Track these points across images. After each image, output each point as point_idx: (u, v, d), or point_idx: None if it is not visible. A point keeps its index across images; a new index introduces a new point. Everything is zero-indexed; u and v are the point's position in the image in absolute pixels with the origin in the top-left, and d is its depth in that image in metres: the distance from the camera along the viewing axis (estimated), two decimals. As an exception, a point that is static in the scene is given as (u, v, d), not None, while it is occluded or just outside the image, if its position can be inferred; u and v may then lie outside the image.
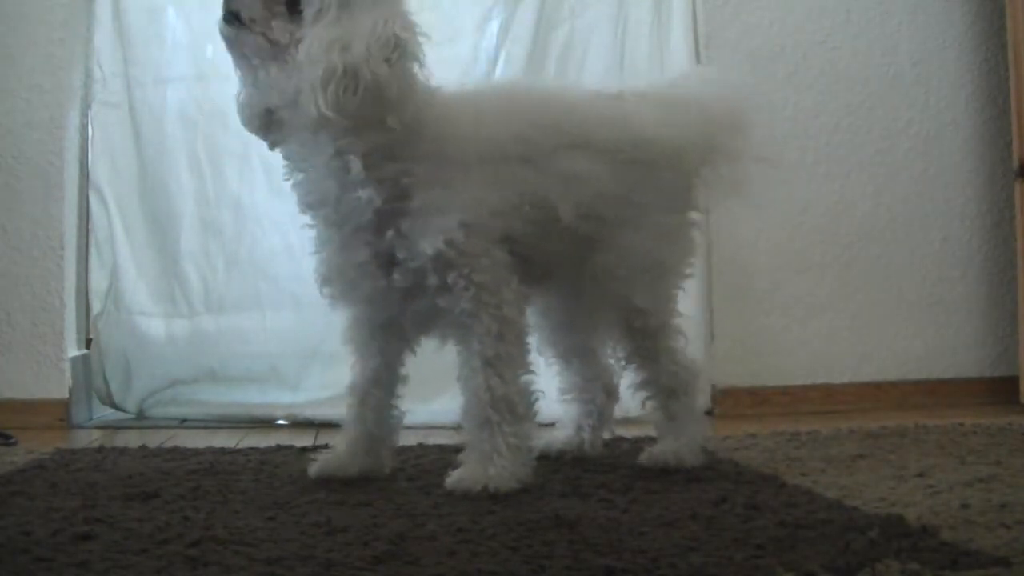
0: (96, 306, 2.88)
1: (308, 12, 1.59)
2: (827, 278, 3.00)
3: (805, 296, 2.98)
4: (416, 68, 1.63)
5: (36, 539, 1.30)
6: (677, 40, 2.93)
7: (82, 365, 2.87)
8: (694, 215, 1.93)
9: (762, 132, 2.95)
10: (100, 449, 2.20)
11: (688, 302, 2.84)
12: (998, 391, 2.95)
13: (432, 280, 1.65)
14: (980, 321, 3.05)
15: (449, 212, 1.63)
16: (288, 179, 1.77)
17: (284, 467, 1.93)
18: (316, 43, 1.56)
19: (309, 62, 1.56)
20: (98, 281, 2.88)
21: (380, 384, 1.82)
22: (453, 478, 1.66)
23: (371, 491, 1.68)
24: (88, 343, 2.91)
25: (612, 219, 1.77)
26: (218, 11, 2.93)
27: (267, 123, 1.73)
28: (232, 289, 2.88)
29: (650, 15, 2.93)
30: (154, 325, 2.87)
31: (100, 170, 2.88)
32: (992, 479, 1.67)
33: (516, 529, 1.36)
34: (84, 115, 2.90)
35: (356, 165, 1.63)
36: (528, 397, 1.70)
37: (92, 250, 2.88)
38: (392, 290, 1.68)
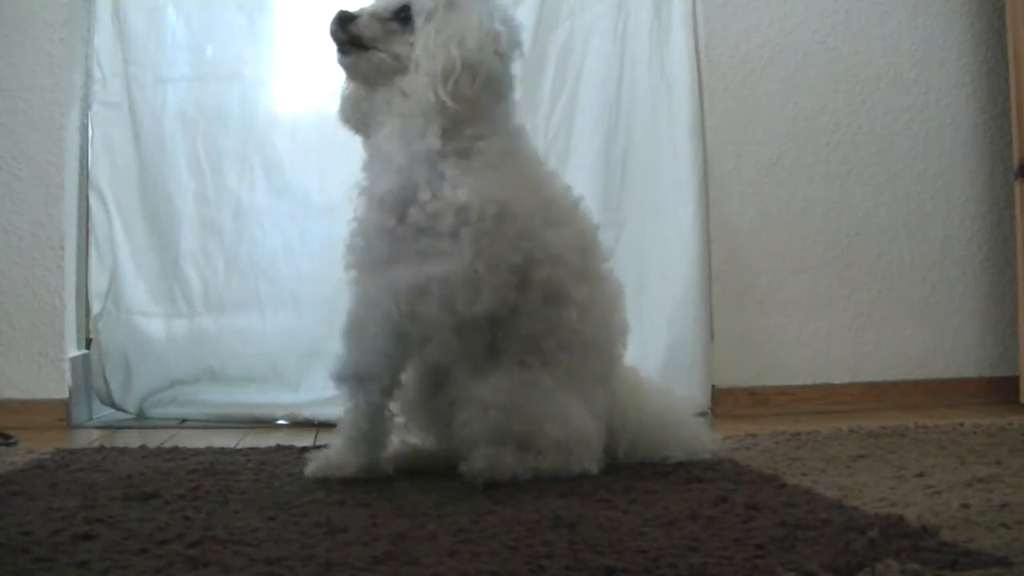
0: (96, 306, 2.88)
1: (419, 19, 1.76)
2: (827, 278, 3.00)
3: (805, 296, 2.98)
4: (517, 57, 1.80)
5: (36, 539, 1.29)
6: (677, 40, 2.93)
7: (82, 365, 2.87)
8: None
9: (763, 132, 2.97)
10: (100, 449, 2.20)
11: (688, 302, 2.87)
12: (998, 391, 2.96)
13: (445, 224, 1.70)
14: (980, 321, 3.06)
15: (498, 185, 1.73)
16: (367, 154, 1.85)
17: (284, 467, 1.93)
18: (432, 41, 1.73)
19: (428, 58, 1.72)
20: (98, 281, 2.88)
21: (379, 380, 1.82)
22: (472, 463, 1.71)
23: (371, 491, 1.68)
24: (88, 343, 2.91)
25: None
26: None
27: (365, 121, 1.85)
28: (232, 289, 2.88)
29: (650, 15, 2.93)
30: (154, 325, 2.87)
31: (100, 170, 2.88)
32: (992, 479, 1.67)
33: (516, 529, 1.36)
34: (84, 115, 2.90)
35: (438, 124, 1.72)
36: None
37: (92, 250, 2.88)
38: (401, 242, 1.72)
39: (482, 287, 1.72)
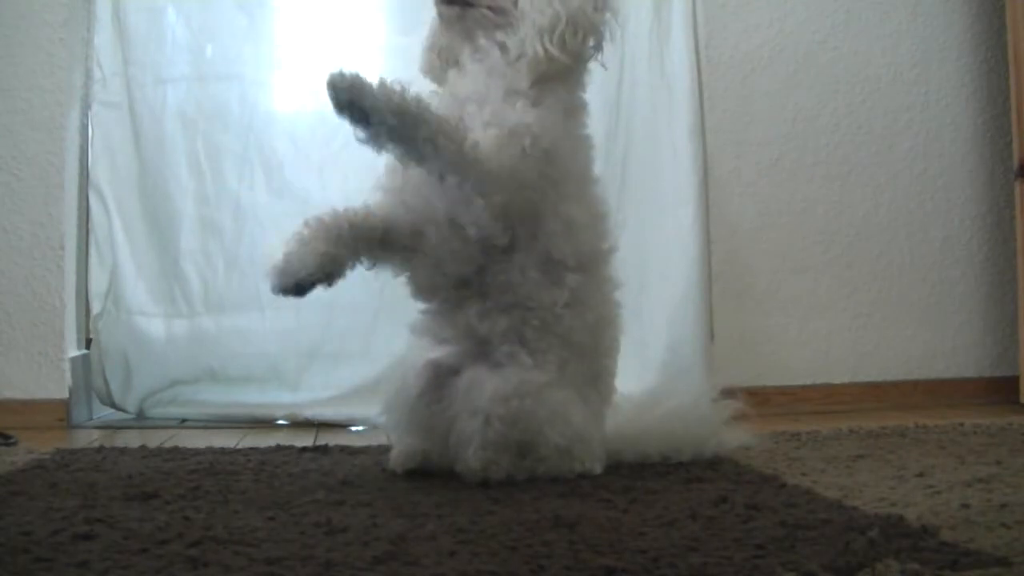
0: (96, 306, 2.88)
1: None
2: (827, 278, 3.00)
3: (805, 296, 2.99)
4: (613, 16, 1.85)
5: (36, 539, 1.29)
6: (677, 40, 2.92)
7: (82, 365, 2.87)
8: None
9: (763, 132, 2.97)
10: (100, 449, 2.20)
11: (688, 302, 2.87)
12: (998, 391, 2.96)
13: (491, 131, 1.72)
14: (980, 321, 3.06)
15: (560, 134, 1.79)
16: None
17: (284, 467, 1.93)
18: None
19: (534, 11, 1.77)
20: (98, 281, 2.88)
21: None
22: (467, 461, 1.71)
23: (371, 491, 1.68)
24: (88, 343, 2.91)
25: None
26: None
27: (448, 70, 1.89)
28: (232, 289, 2.88)
29: (650, 15, 2.93)
30: (154, 325, 2.87)
31: (100, 170, 2.88)
32: (992, 479, 1.67)
33: (516, 529, 1.36)
34: (84, 115, 2.90)
35: (526, 78, 1.78)
36: None
37: (92, 250, 2.88)
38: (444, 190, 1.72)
39: (505, 183, 1.71)
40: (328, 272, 1.69)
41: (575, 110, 1.88)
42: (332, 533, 1.35)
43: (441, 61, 1.91)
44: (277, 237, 2.81)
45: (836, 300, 3.00)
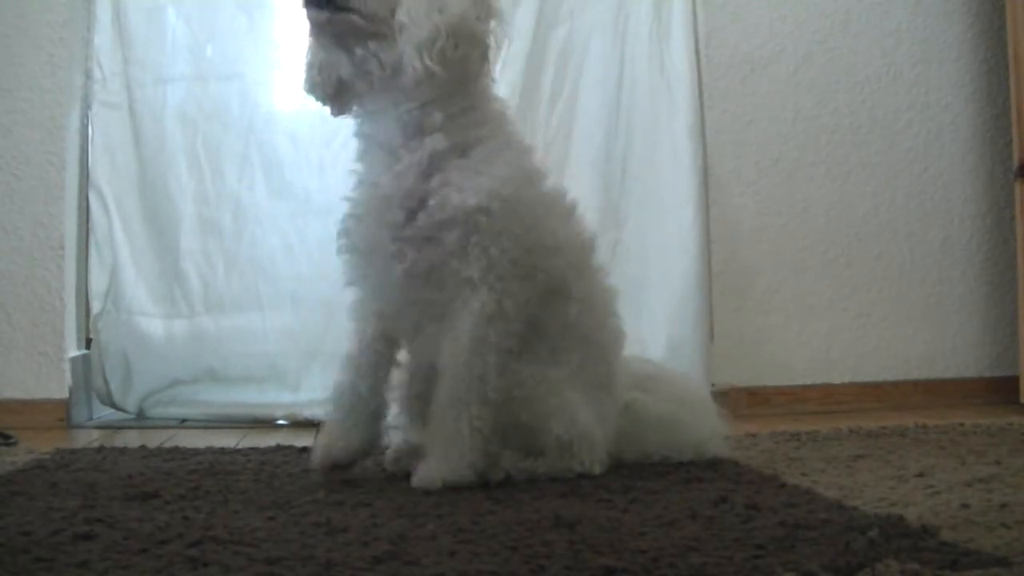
0: (96, 306, 2.88)
1: None
2: (827, 278, 3.00)
3: (805, 296, 2.99)
4: (498, 24, 1.76)
5: (36, 539, 1.29)
6: (677, 40, 2.93)
7: (82, 365, 2.87)
8: None
9: (763, 132, 2.98)
10: (100, 449, 2.20)
11: (688, 302, 2.87)
12: (998, 391, 2.96)
13: (453, 235, 1.69)
14: (980, 321, 3.06)
15: (503, 180, 1.72)
16: (356, 132, 1.83)
17: (284, 467, 1.93)
18: (415, 7, 1.67)
19: (412, 24, 1.67)
20: (98, 281, 2.88)
21: (377, 352, 1.83)
22: (416, 476, 1.69)
23: (371, 491, 1.68)
24: (88, 343, 2.91)
25: None
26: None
27: (336, 91, 1.81)
28: (232, 289, 2.88)
29: (650, 15, 2.93)
30: (154, 325, 2.87)
31: (100, 170, 2.88)
32: (992, 479, 1.67)
33: (516, 529, 1.36)
34: (84, 115, 2.90)
35: (439, 115, 1.72)
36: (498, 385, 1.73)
37: (92, 250, 2.88)
38: (410, 242, 1.71)
39: (509, 315, 1.71)
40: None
41: (502, 134, 1.79)
42: (332, 533, 1.35)
43: (322, 78, 1.79)
44: (277, 237, 2.86)
45: (836, 300, 3.00)
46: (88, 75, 2.89)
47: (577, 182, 2.91)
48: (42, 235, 2.79)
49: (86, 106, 2.90)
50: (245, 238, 2.88)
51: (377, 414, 1.83)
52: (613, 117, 2.93)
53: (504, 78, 2.90)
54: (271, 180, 2.88)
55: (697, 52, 2.95)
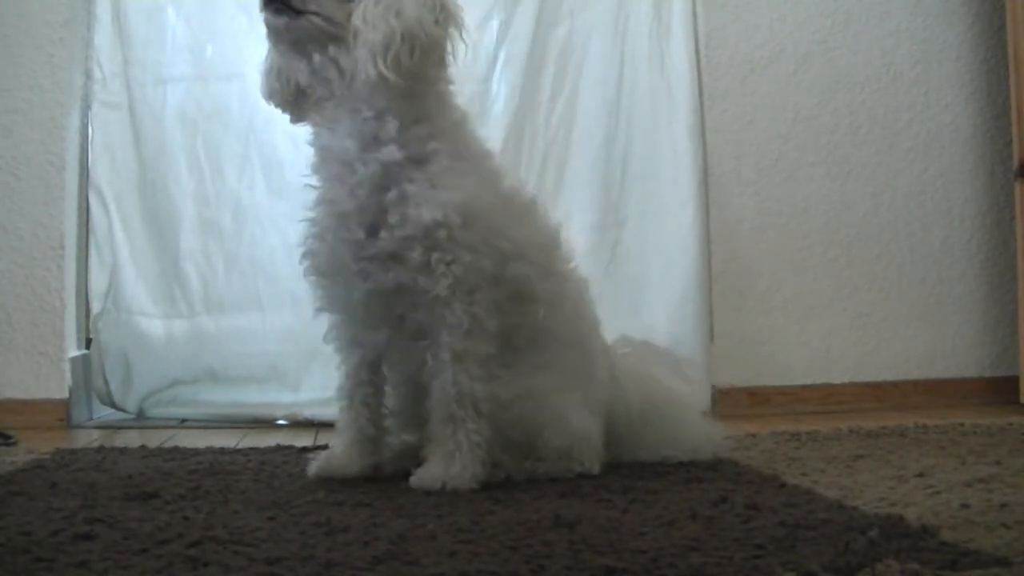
0: (96, 306, 2.88)
1: None
2: (827, 278, 3.00)
3: (805, 296, 2.99)
4: (456, 30, 1.71)
5: (36, 539, 1.29)
6: (677, 40, 2.93)
7: (82, 365, 2.87)
8: None
9: (763, 132, 2.97)
10: (100, 449, 2.20)
11: (688, 302, 2.87)
12: (998, 391, 2.95)
13: (415, 253, 1.66)
14: (980, 321, 3.06)
15: (459, 191, 1.68)
16: (311, 142, 1.80)
17: (284, 467, 1.93)
18: (370, 11, 1.64)
19: (367, 28, 1.63)
20: (98, 281, 2.88)
21: (365, 383, 1.83)
22: (416, 476, 1.69)
23: (371, 491, 1.68)
24: (88, 343, 2.91)
25: None
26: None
27: (295, 98, 1.78)
28: (232, 289, 2.88)
29: (650, 15, 2.93)
30: (154, 325, 2.87)
31: (100, 170, 2.88)
32: (992, 479, 1.67)
33: (516, 529, 1.36)
34: (84, 115, 2.90)
35: (393, 124, 1.68)
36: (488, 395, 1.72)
37: (92, 250, 2.88)
38: (373, 261, 1.69)
39: (484, 324, 1.70)
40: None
41: (460, 141, 1.75)
42: (332, 533, 1.35)
43: (280, 84, 1.76)
44: (277, 237, 2.85)
45: (836, 300, 3.00)
46: (88, 75, 2.89)
47: (577, 182, 2.92)
48: (42, 235, 2.79)
49: (86, 106, 2.90)
50: (245, 238, 2.88)
51: (378, 440, 1.84)
52: (613, 117, 2.93)
53: (504, 78, 2.91)
54: (271, 180, 2.89)
55: (697, 52, 2.96)
